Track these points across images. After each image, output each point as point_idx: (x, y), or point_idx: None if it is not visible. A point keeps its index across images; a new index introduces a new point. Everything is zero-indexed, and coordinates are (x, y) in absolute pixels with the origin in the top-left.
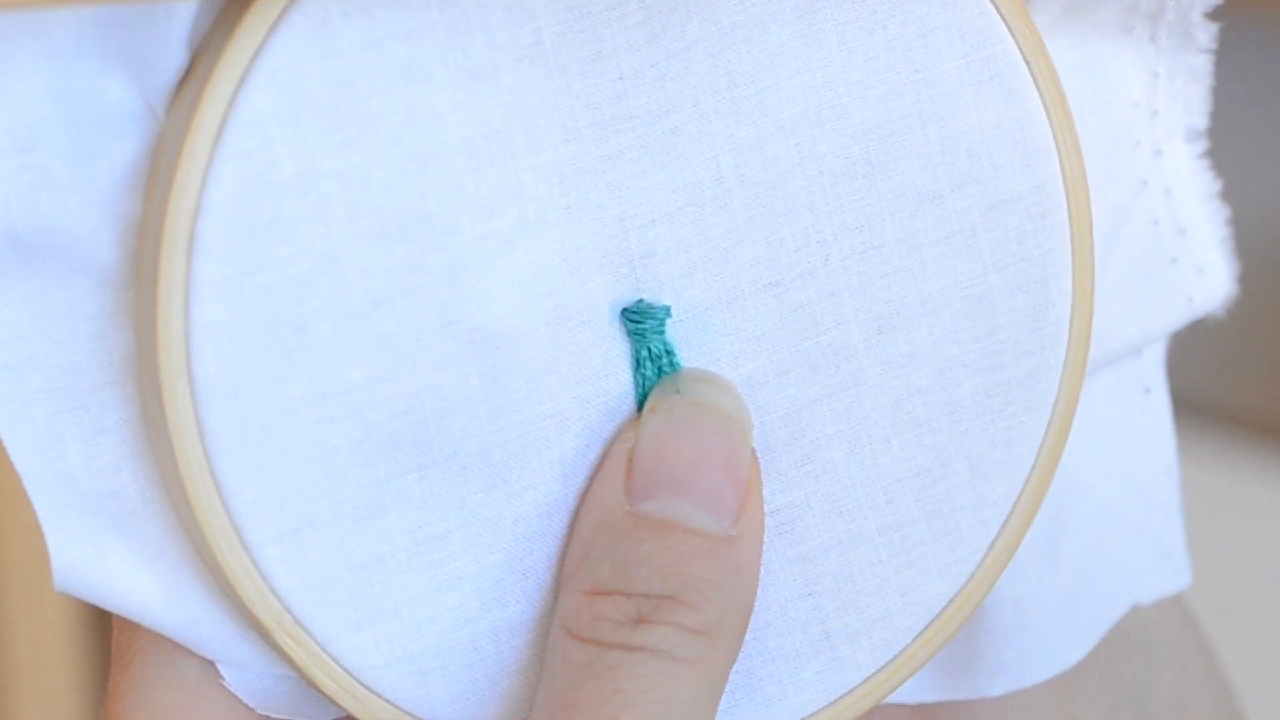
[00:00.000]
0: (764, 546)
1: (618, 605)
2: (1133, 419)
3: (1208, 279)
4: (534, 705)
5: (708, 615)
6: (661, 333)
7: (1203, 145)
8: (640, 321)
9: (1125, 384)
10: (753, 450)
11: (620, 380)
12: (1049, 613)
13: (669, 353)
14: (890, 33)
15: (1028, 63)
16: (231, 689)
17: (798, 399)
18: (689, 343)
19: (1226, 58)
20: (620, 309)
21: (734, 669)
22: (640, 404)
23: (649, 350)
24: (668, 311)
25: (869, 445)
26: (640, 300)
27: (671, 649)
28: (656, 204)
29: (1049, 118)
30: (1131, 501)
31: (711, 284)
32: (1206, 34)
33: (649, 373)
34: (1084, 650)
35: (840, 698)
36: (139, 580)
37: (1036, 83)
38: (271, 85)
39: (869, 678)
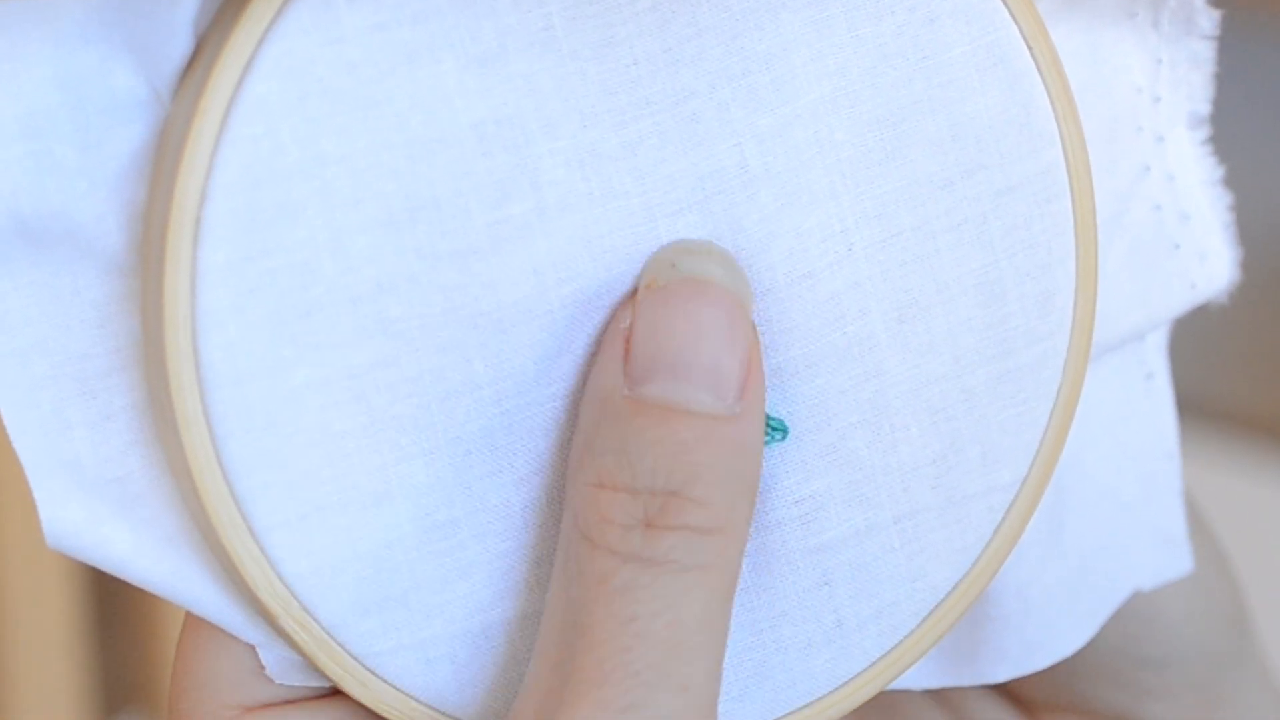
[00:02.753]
0: (785, 537)
1: (624, 505)
2: (1135, 404)
3: (1210, 265)
4: (547, 602)
5: (716, 507)
6: None
7: (1205, 131)
8: None
9: (1128, 370)
10: (752, 324)
11: None
12: (1052, 598)
13: None
14: (898, 19)
15: (1030, 48)
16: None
17: (824, 389)
18: None
19: (1230, 45)
20: None
21: (746, 658)
22: None
23: None
24: None
25: (890, 434)
26: None
27: (682, 558)
28: (683, 192)
29: (1052, 103)
30: (1132, 486)
31: (746, 274)
32: (1209, 20)
33: None
34: (1086, 636)
35: (846, 683)
36: (145, 563)
37: (1039, 68)
38: (277, 70)
39: (874, 663)
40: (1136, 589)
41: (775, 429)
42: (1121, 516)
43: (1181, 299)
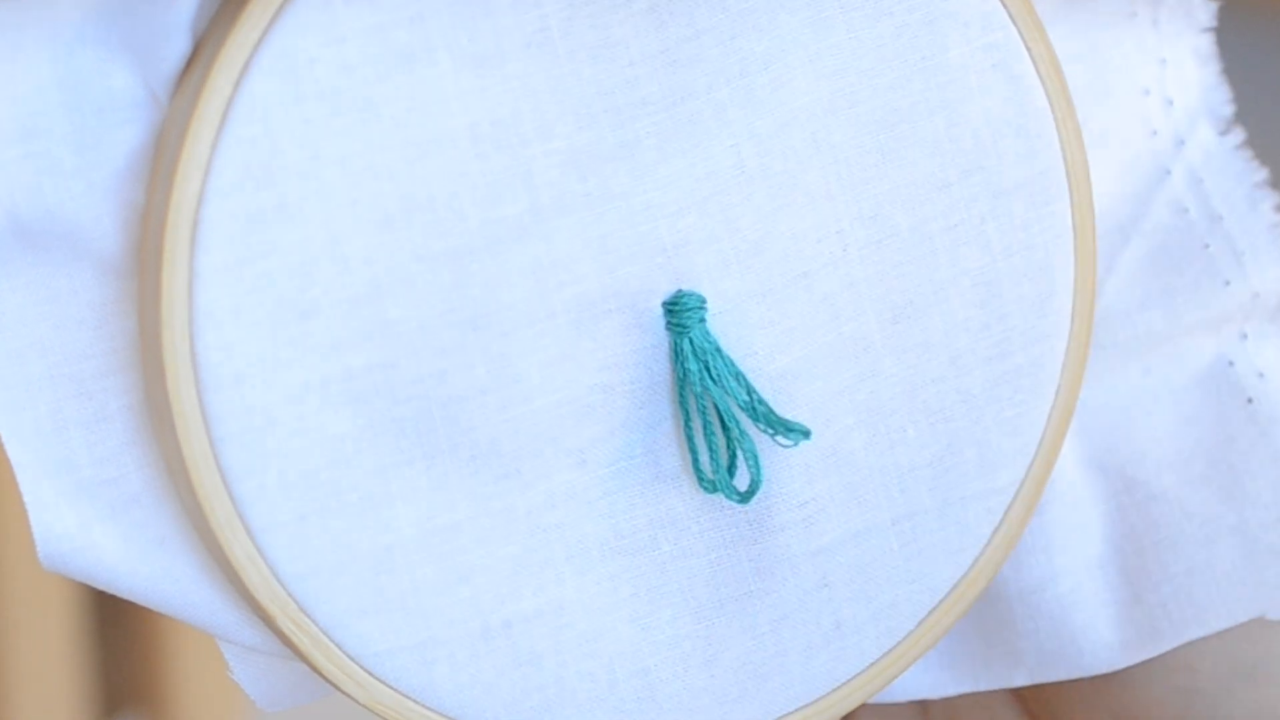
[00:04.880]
0: (787, 541)
1: None
2: (1233, 430)
3: (1255, 263)
4: None
5: None
6: (703, 322)
7: (1237, 133)
8: (678, 312)
9: (1220, 395)
10: None
11: (651, 369)
12: (1090, 611)
13: (716, 349)
14: (897, 20)
15: (1029, 49)
16: (238, 680)
17: (824, 391)
18: (726, 335)
19: (1230, 45)
20: (655, 298)
21: (746, 661)
22: (680, 394)
23: (691, 342)
24: (703, 301)
25: (886, 435)
26: (679, 291)
27: None
28: (682, 193)
29: (1050, 105)
30: (1244, 512)
31: (745, 276)
32: (1207, 12)
33: (691, 365)
34: (1138, 657)
35: (845, 684)
36: (135, 565)
37: (1038, 70)
38: (275, 71)
39: (873, 664)
40: (1260, 615)
41: (795, 431)
42: (1217, 544)
43: (1212, 297)
